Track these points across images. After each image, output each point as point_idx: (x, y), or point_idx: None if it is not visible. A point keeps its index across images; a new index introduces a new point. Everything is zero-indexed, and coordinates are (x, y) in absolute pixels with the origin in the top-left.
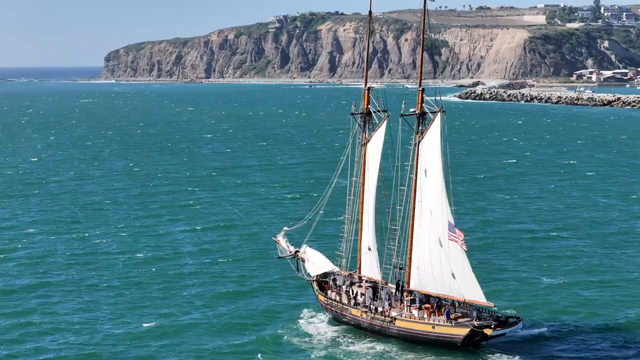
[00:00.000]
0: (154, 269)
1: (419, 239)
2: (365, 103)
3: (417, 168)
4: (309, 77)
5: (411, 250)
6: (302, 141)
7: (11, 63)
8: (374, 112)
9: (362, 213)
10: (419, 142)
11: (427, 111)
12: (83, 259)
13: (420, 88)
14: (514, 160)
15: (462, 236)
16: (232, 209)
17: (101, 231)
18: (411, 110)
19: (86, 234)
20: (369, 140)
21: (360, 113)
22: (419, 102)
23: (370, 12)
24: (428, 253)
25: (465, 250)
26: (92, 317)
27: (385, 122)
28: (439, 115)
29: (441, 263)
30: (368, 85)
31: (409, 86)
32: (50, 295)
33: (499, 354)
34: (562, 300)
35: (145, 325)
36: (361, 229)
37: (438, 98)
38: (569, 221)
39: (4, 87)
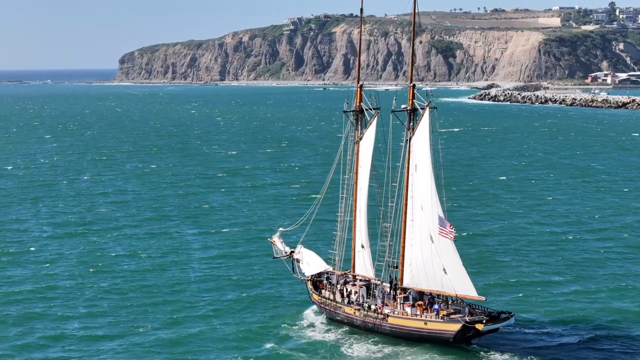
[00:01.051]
0: (159, 273)
1: (411, 236)
2: (358, 101)
3: (408, 164)
4: (323, 80)
5: (404, 247)
6: (316, 143)
7: (27, 66)
8: (366, 109)
9: (355, 211)
10: (410, 138)
11: (418, 107)
12: (91, 262)
13: (412, 84)
14: (529, 162)
15: (452, 229)
16: (244, 212)
17: (110, 234)
18: (402, 106)
19: (95, 238)
20: (361, 138)
21: (353, 111)
22: (410, 98)
23: (361, 10)
24: (420, 249)
25: (453, 240)
26: (95, 323)
27: (376, 119)
28: (427, 110)
29: (432, 259)
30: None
31: (429, 88)
32: (56, 299)
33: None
34: (581, 306)
35: (148, 329)
36: (354, 227)
37: (430, 95)
38: (589, 225)
39: (19, 89)
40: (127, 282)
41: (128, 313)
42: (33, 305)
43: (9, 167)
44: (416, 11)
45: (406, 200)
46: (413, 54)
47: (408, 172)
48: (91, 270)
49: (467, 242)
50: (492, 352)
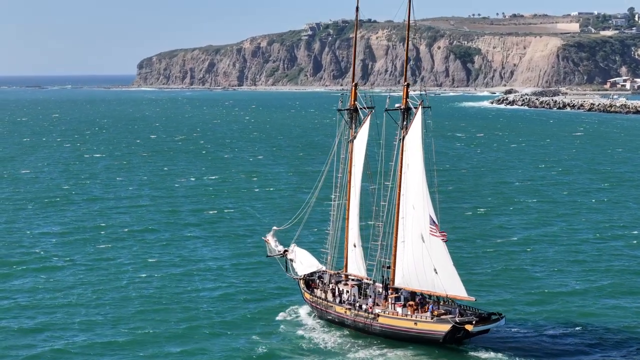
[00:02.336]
0: (168, 281)
1: (403, 235)
2: (352, 99)
3: (401, 163)
4: (341, 85)
5: (396, 246)
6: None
7: (47, 72)
8: (360, 108)
9: (348, 210)
10: (404, 137)
11: (412, 107)
12: (100, 269)
13: (406, 83)
14: (550, 166)
15: (443, 233)
16: (257, 218)
17: (121, 240)
18: (396, 105)
19: (106, 244)
20: (355, 137)
21: (347, 109)
22: (404, 97)
23: (357, 8)
24: (411, 249)
25: (443, 242)
26: (101, 332)
27: (369, 118)
28: (419, 109)
29: (423, 259)
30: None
31: (452, 94)
32: (62, 307)
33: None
34: (597, 313)
35: (154, 338)
36: (347, 226)
37: (423, 93)
38: (613, 231)
39: (38, 94)
40: (135, 289)
41: (135, 322)
42: (39, 312)
43: (23, 171)
44: (411, 10)
45: (399, 199)
46: (408, 53)
47: (401, 171)
48: (100, 277)
49: (489, 249)
50: (488, 353)
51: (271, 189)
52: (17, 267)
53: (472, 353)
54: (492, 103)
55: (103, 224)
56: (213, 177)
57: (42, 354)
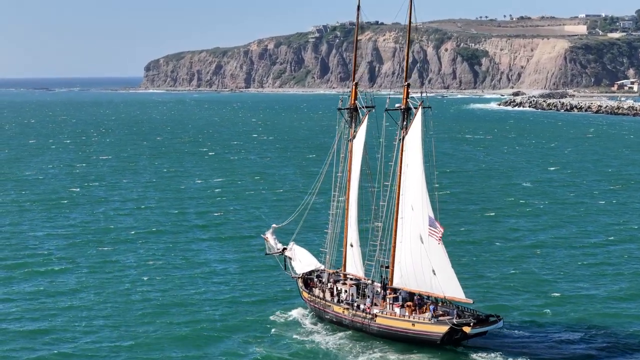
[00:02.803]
0: (172, 285)
1: (401, 236)
2: (352, 99)
3: (401, 163)
4: (348, 87)
5: (394, 247)
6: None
7: (55, 74)
8: (360, 107)
9: (347, 209)
10: (403, 137)
11: (412, 107)
12: (103, 273)
13: (406, 83)
14: (555, 168)
15: (441, 230)
16: (264, 220)
17: (125, 243)
18: (396, 105)
19: (110, 247)
20: (354, 136)
21: (347, 108)
22: (404, 97)
23: (358, 7)
24: (409, 249)
25: (440, 243)
26: (103, 336)
27: (367, 117)
28: (420, 110)
29: (422, 259)
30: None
31: (460, 96)
32: (65, 310)
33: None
34: (608, 316)
35: (156, 342)
36: (346, 225)
37: (424, 94)
38: (625, 234)
39: (45, 96)
40: (140, 292)
41: (139, 325)
42: (42, 315)
43: (28, 173)
44: (413, 10)
45: (398, 199)
46: (409, 53)
47: (400, 172)
48: (104, 280)
49: (497, 251)
50: (495, 357)
51: (278, 190)
52: (21, 269)
53: (476, 355)
54: (499, 105)
55: (108, 226)
56: (219, 179)
57: (45, 357)
